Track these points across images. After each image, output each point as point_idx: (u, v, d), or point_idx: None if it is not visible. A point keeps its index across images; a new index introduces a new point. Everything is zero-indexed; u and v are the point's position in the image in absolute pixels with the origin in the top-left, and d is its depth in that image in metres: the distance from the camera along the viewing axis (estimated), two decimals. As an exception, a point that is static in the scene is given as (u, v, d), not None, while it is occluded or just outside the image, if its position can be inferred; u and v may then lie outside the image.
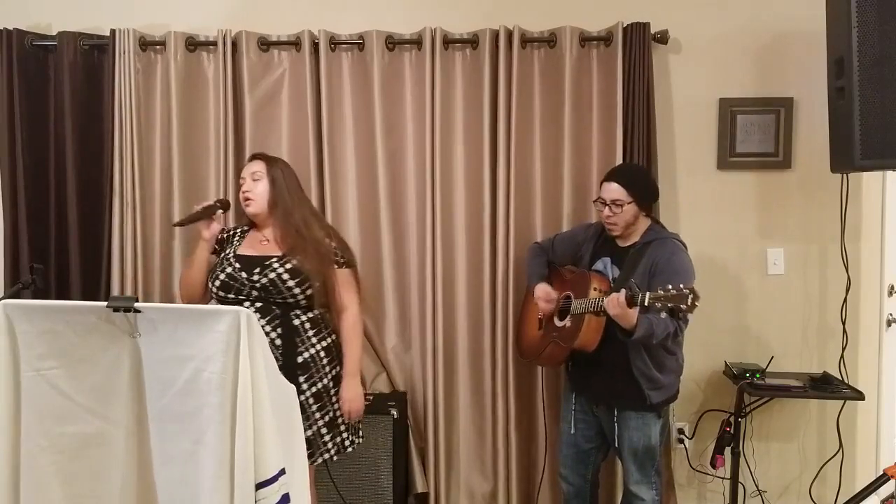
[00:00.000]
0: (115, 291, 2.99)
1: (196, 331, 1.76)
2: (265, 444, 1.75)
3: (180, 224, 2.53)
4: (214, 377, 1.75)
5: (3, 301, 1.83)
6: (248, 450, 1.73)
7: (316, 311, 2.41)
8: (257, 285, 2.31)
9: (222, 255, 2.45)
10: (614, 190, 2.50)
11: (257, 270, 2.33)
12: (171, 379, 1.80)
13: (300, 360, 2.35)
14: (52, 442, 1.83)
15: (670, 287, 2.16)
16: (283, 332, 2.33)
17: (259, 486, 1.75)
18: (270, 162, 2.49)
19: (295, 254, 2.35)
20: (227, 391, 1.75)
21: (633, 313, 2.25)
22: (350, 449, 2.48)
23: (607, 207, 2.51)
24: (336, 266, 2.43)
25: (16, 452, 1.82)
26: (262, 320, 2.28)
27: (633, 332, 2.29)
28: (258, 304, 2.31)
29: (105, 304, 1.77)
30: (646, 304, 2.18)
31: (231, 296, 2.32)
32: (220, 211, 2.51)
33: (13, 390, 1.81)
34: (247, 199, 2.43)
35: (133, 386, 1.87)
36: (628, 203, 2.48)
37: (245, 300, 2.32)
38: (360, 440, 2.54)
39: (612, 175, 2.57)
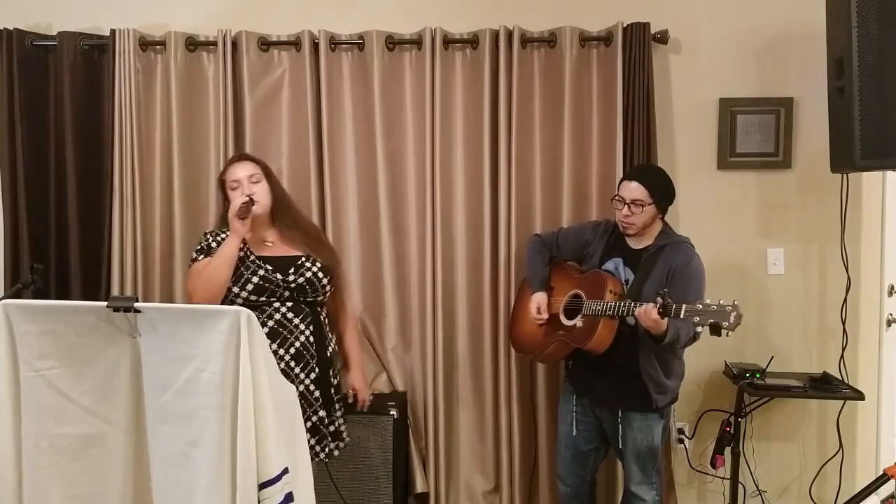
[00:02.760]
0: (115, 291, 2.99)
1: (196, 331, 1.76)
2: (267, 443, 1.75)
3: (243, 216, 2.30)
4: (215, 377, 1.75)
5: (3, 301, 1.83)
6: (250, 449, 1.73)
7: (326, 309, 2.49)
8: (292, 285, 2.34)
9: (240, 258, 2.33)
10: (636, 189, 2.46)
11: (292, 271, 2.36)
12: (170, 379, 1.80)
13: (328, 353, 2.45)
14: (52, 442, 1.83)
15: (708, 301, 2.15)
16: (315, 329, 2.39)
17: (262, 485, 1.75)
18: (260, 162, 2.48)
19: (316, 253, 2.43)
20: (227, 391, 1.75)
21: (665, 322, 2.24)
22: (347, 440, 2.56)
23: (626, 206, 2.47)
24: (338, 262, 2.53)
25: (16, 453, 1.82)
26: (295, 319, 2.35)
27: (663, 339, 2.28)
28: (289, 304, 2.35)
29: (105, 304, 1.77)
30: (681, 316, 2.18)
31: (263, 298, 2.32)
32: (253, 207, 2.38)
33: (13, 390, 1.81)
34: (253, 201, 2.34)
35: (133, 386, 1.87)
36: (649, 204, 2.45)
37: (276, 301, 2.33)
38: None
39: (636, 174, 2.53)
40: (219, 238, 2.41)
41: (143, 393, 1.86)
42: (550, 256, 2.77)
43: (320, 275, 2.39)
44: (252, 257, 2.37)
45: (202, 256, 2.36)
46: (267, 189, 2.42)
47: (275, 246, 2.43)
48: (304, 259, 2.40)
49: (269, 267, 2.35)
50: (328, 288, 2.42)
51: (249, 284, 2.31)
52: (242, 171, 2.42)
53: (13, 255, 3.04)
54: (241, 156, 2.53)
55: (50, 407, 1.82)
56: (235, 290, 2.31)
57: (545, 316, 2.63)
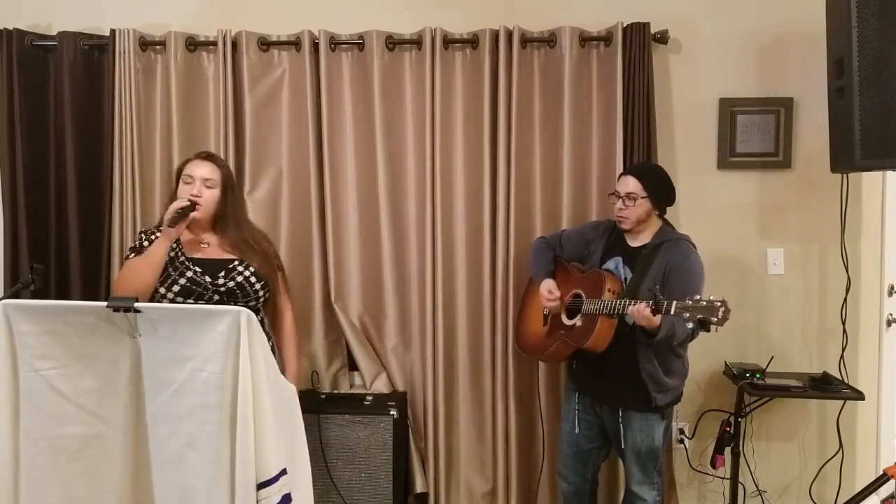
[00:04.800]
0: (115, 291, 2.99)
1: (196, 331, 1.76)
2: (266, 444, 1.75)
3: (172, 224, 2.30)
4: (213, 377, 1.75)
5: (3, 301, 1.83)
6: (249, 450, 1.73)
7: (260, 316, 2.41)
8: (222, 289, 2.30)
9: (170, 258, 2.30)
10: (630, 183, 2.51)
11: (222, 274, 2.31)
12: (169, 379, 1.80)
13: None
14: (51, 443, 1.83)
15: (699, 297, 2.15)
16: None
17: (260, 486, 1.75)
18: (222, 168, 2.42)
19: (250, 258, 2.38)
20: (226, 391, 1.75)
21: (657, 319, 2.25)
22: None
23: (621, 200, 2.52)
24: (277, 269, 2.48)
25: (15, 453, 1.82)
26: None
27: (657, 334, 2.29)
28: None
29: (105, 304, 1.77)
30: (672, 313, 2.18)
31: (191, 300, 2.28)
32: (192, 212, 2.36)
33: (12, 391, 1.81)
34: (195, 203, 2.31)
35: (132, 386, 1.87)
36: (642, 198, 2.49)
37: (205, 305, 2.27)
38: None
39: (630, 170, 2.60)
40: (152, 238, 2.34)
41: (142, 393, 1.86)
42: (555, 256, 2.78)
43: (252, 279, 2.34)
44: (182, 258, 2.32)
45: (133, 255, 2.32)
46: (216, 198, 2.37)
47: (209, 248, 2.39)
48: (236, 263, 2.35)
49: (199, 269, 2.31)
50: (261, 294, 2.36)
51: (176, 286, 2.27)
52: (201, 170, 2.37)
53: (13, 255, 3.04)
54: (208, 155, 2.47)
55: (49, 407, 1.82)
56: (162, 290, 2.26)
57: (557, 294, 2.61)
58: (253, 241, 2.44)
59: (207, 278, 2.30)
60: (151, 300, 2.25)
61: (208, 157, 2.45)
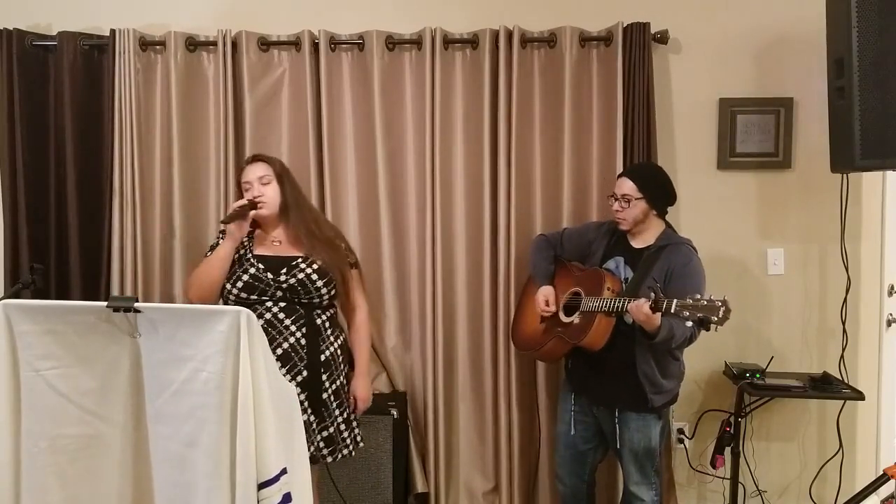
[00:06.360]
0: (115, 291, 2.99)
1: (196, 331, 1.76)
2: (266, 443, 1.75)
3: (227, 221, 2.37)
4: (213, 377, 1.75)
5: (3, 301, 1.83)
6: (249, 450, 1.73)
7: (332, 311, 2.46)
8: (284, 286, 2.32)
9: (238, 256, 2.38)
10: (625, 185, 2.52)
11: (284, 271, 2.34)
12: (169, 379, 1.80)
13: (323, 357, 2.38)
14: (52, 443, 1.83)
15: (699, 296, 2.15)
16: (308, 331, 2.35)
17: (261, 486, 1.75)
18: (273, 163, 2.47)
19: (316, 254, 2.39)
20: (226, 391, 1.75)
21: (657, 318, 2.24)
22: (361, 444, 2.53)
23: (617, 202, 2.53)
24: (349, 266, 2.48)
25: (16, 453, 1.82)
26: (287, 320, 2.32)
27: (656, 335, 2.29)
28: (282, 304, 2.33)
29: (105, 304, 1.77)
30: (672, 311, 2.17)
31: (254, 297, 2.32)
32: (252, 210, 2.41)
33: (13, 391, 1.81)
34: (260, 203, 2.38)
35: (132, 386, 1.87)
36: (636, 198, 2.49)
37: (268, 301, 2.32)
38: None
39: (627, 171, 2.62)
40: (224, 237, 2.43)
41: (142, 393, 1.86)
42: (555, 255, 2.78)
43: (314, 276, 2.34)
44: (248, 255, 2.36)
45: (210, 253, 2.39)
46: (276, 190, 2.42)
47: (280, 245, 2.43)
48: (300, 260, 2.37)
49: (262, 266, 2.34)
50: (324, 291, 2.36)
51: (240, 282, 2.31)
52: (253, 172, 2.43)
53: (13, 255, 3.04)
54: (254, 157, 2.52)
55: (50, 407, 1.82)
56: (228, 286, 2.33)
57: (553, 308, 2.63)
58: (320, 233, 2.45)
59: (269, 275, 2.33)
60: (221, 297, 2.34)
61: (256, 157, 2.50)
